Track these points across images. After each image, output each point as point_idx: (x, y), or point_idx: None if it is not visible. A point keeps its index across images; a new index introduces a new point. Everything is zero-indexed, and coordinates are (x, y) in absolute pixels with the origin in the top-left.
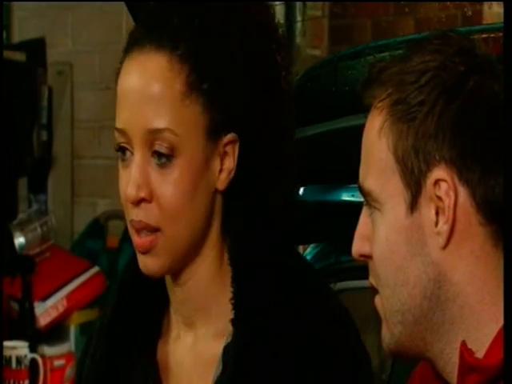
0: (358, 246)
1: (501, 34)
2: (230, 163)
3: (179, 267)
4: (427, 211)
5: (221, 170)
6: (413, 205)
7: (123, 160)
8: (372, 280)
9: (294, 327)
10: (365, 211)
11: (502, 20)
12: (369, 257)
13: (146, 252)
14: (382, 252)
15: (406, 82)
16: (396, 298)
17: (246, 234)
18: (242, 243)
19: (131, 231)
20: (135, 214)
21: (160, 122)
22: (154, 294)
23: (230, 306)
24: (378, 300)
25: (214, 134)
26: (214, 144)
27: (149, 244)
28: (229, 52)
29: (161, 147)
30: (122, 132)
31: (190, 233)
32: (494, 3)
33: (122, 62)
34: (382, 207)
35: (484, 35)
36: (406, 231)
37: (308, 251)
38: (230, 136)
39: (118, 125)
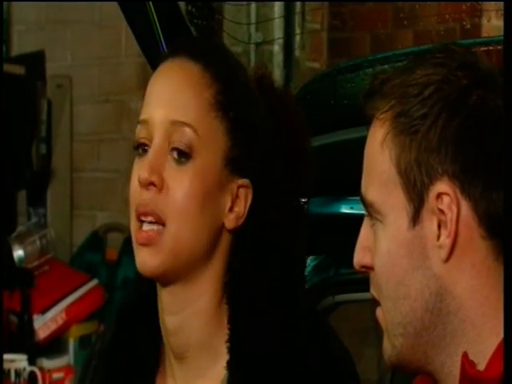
0: (360, 257)
1: (500, 47)
2: (240, 208)
3: (178, 285)
4: (429, 224)
5: (231, 210)
6: (415, 218)
7: (140, 156)
8: (373, 291)
9: (291, 373)
10: (366, 222)
11: (501, 33)
12: (370, 268)
13: (146, 244)
14: (384, 264)
15: (408, 95)
16: (397, 310)
17: (247, 277)
18: (243, 285)
19: (134, 221)
20: (143, 197)
21: (184, 117)
22: (153, 321)
23: (225, 349)
24: (379, 312)
25: (231, 165)
26: (229, 178)
27: (151, 235)
28: (254, 99)
29: (180, 143)
30: (145, 123)
31: (193, 238)
32: (492, 17)
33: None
34: (384, 219)
35: (483, 48)
36: (407, 244)
37: (307, 263)
38: (244, 180)
39: (142, 116)
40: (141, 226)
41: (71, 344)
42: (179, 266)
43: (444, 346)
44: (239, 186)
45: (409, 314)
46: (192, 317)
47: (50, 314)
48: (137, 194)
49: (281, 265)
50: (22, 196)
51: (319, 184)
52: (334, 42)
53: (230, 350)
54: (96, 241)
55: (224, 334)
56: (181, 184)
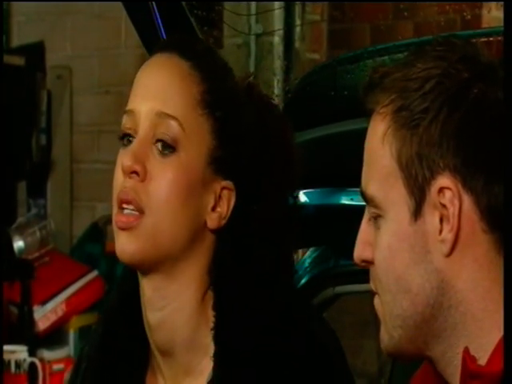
0: (360, 251)
1: (500, 38)
2: (223, 209)
3: (157, 273)
4: (431, 219)
5: (213, 209)
6: (417, 212)
7: (125, 146)
8: (373, 285)
9: (278, 360)
10: (366, 217)
11: (501, 24)
12: (370, 262)
13: (125, 228)
14: (385, 258)
15: (409, 89)
16: (398, 303)
17: (231, 271)
18: (227, 278)
19: (115, 207)
20: (124, 185)
21: (171, 110)
22: (139, 320)
23: (210, 341)
24: (377, 302)
25: (215, 165)
26: (213, 177)
27: (131, 220)
28: (241, 103)
29: (165, 136)
30: (131, 113)
31: (172, 229)
32: (492, 8)
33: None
34: (385, 214)
35: (484, 39)
36: (409, 238)
37: (307, 255)
38: (227, 182)
39: (128, 106)
40: (121, 212)
41: (71, 335)
42: (159, 257)
43: (445, 337)
44: (223, 188)
45: (409, 308)
46: (175, 313)
47: (50, 306)
48: (119, 181)
49: (265, 261)
50: (21, 187)
51: (319, 175)
52: (334, 33)
53: (215, 338)
54: (96, 232)
55: (208, 328)
56: (163, 175)
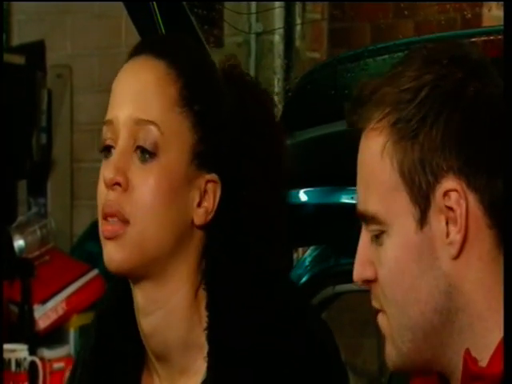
0: (360, 272)
1: (501, 37)
2: (209, 203)
3: (146, 279)
4: (437, 223)
5: (199, 205)
6: (422, 219)
7: (106, 157)
8: (376, 303)
9: (272, 359)
10: (364, 235)
11: (502, 23)
12: (372, 281)
13: (111, 237)
14: (392, 274)
15: (403, 100)
16: (406, 316)
17: (223, 268)
18: (220, 276)
19: (100, 219)
20: (108, 197)
21: (147, 115)
22: (133, 323)
23: (204, 341)
24: (382, 319)
25: (198, 160)
26: (197, 173)
27: (117, 229)
28: (220, 92)
29: (144, 142)
30: (109, 123)
31: (158, 235)
32: (493, 7)
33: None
34: (389, 228)
35: (484, 38)
36: (416, 248)
37: (307, 254)
38: (212, 175)
39: (107, 117)
40: (106, 219)
41: (72, 334)
42: (146, 263)
43: (451, 344)
44: (207, 181)
45: (418, 318)
46: (167, 316)
47: (50, 304)
48: (102, 195)
49: (258, 255)
50: (22, 186)
51: (319, 174)
52: (334, 32)
53: (209, 338)
54: (96, 231)
55: (202, 327)
56: (145, 183)
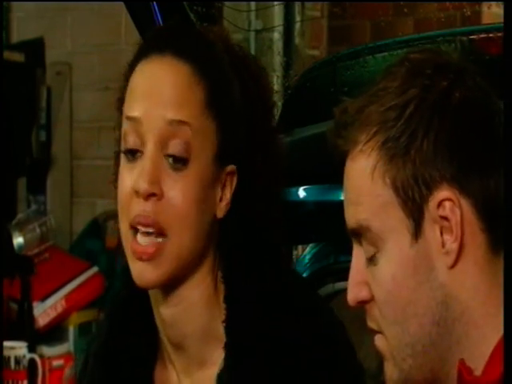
0: (355, 294)
1: (500, 34)
2: (227, 194)
3: (174, 283)
4: (432, 234)
5: (221, 199)
6: (417, 232)
7: (130, 161)
8: (373, 324)
9: (289, 354)
10: (357, 256)
11: (501, 20)
12: (367, 302)
13: (149, 259)
14: (389, 291)
15: (390, 119)
16: (406, 331)
17: (240, 257)
18: (236, 265)
19: (128, 228)
20: (143, 209)
21: (182, 115)
22: (146, 314)
23: (222, 333)
24: (380, 340)
25: (220, 159)
26: (219, 170)
27: (155, 251)
28: (234, 90)
29: (177, 150)
30: (136, 121)
31: (194, 244)
32: (493, 4)
33: (135, 63)
34: (383, 245)
35: (483, 35)
36: (413, 261)
37: (307, 251)
38: (230, 167)
39: (133, 112)
40: (135, 236)
41: (71, 331)
42: (180, 271)
43: (449, 357)
44: (227, 174)
45: (417, 331)
46: (189, 308)
47: (49, 302)
48: (132, 203)
49: (270, 244)
50: (21, 183)
51: (318, 171)
52: (334, 30)
53: (227, 330)
54: (96, 228)
55: (221, 320)
56: (180, 191)
